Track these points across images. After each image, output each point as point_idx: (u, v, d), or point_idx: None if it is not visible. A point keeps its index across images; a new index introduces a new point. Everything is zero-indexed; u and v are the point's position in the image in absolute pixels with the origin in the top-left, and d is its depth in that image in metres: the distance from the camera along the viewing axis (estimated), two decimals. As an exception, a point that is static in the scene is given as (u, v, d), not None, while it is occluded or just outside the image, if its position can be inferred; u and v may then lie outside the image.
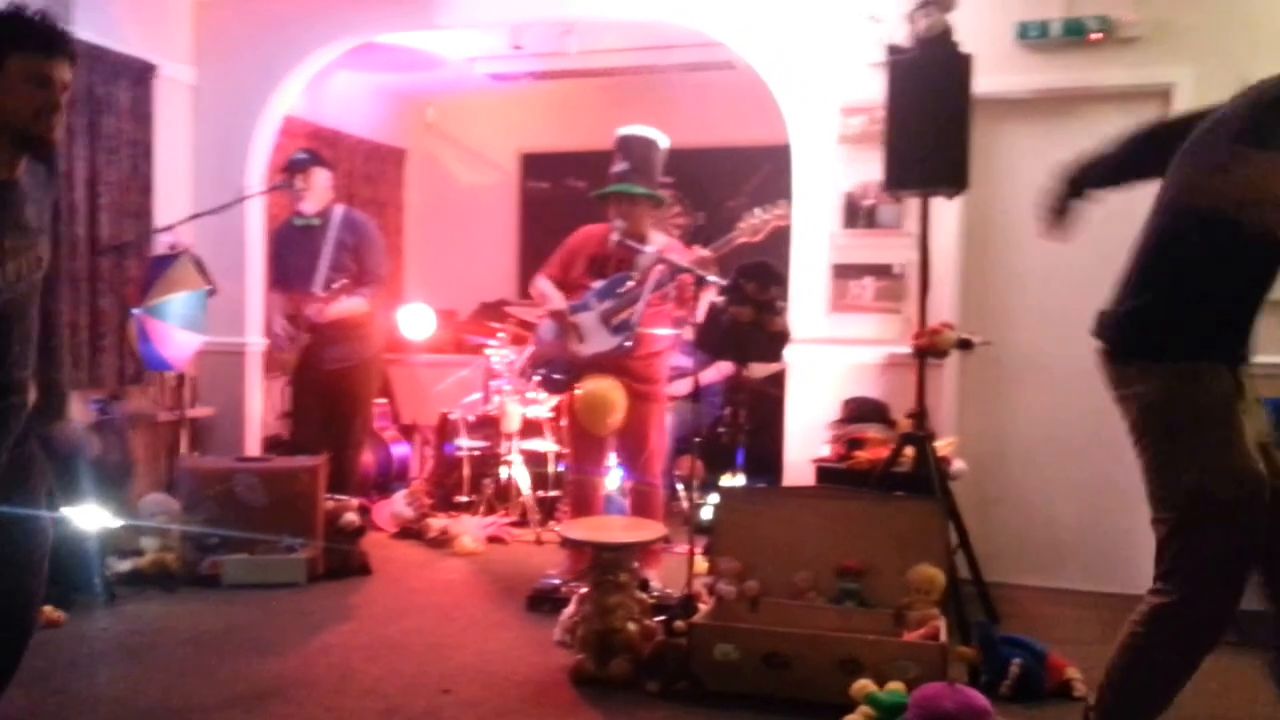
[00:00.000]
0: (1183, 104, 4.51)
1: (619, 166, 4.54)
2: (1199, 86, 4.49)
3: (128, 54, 5.50)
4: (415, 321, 7.20)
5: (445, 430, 6.44)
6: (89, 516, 4.05)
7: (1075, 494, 4.86)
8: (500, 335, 6.28)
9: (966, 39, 4.22)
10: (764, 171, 6.97)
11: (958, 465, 4.44)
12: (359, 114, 7.79)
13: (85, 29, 5.05)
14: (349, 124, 7.62)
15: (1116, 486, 4.76)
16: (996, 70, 4.68)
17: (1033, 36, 4.75)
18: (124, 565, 4.62)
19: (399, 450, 6.86)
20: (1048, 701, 3.42)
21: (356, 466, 5.62)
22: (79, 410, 2.79)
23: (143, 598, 4.40)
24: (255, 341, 6.08)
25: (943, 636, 3.37)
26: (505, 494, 6.02)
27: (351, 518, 4.96)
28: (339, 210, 5.46)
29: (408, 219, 8.37)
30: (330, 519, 4.90)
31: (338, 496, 5.07)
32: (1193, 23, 4.59)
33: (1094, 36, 4.67)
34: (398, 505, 5.81)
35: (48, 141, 2.45)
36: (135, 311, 4.94)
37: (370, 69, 7.27)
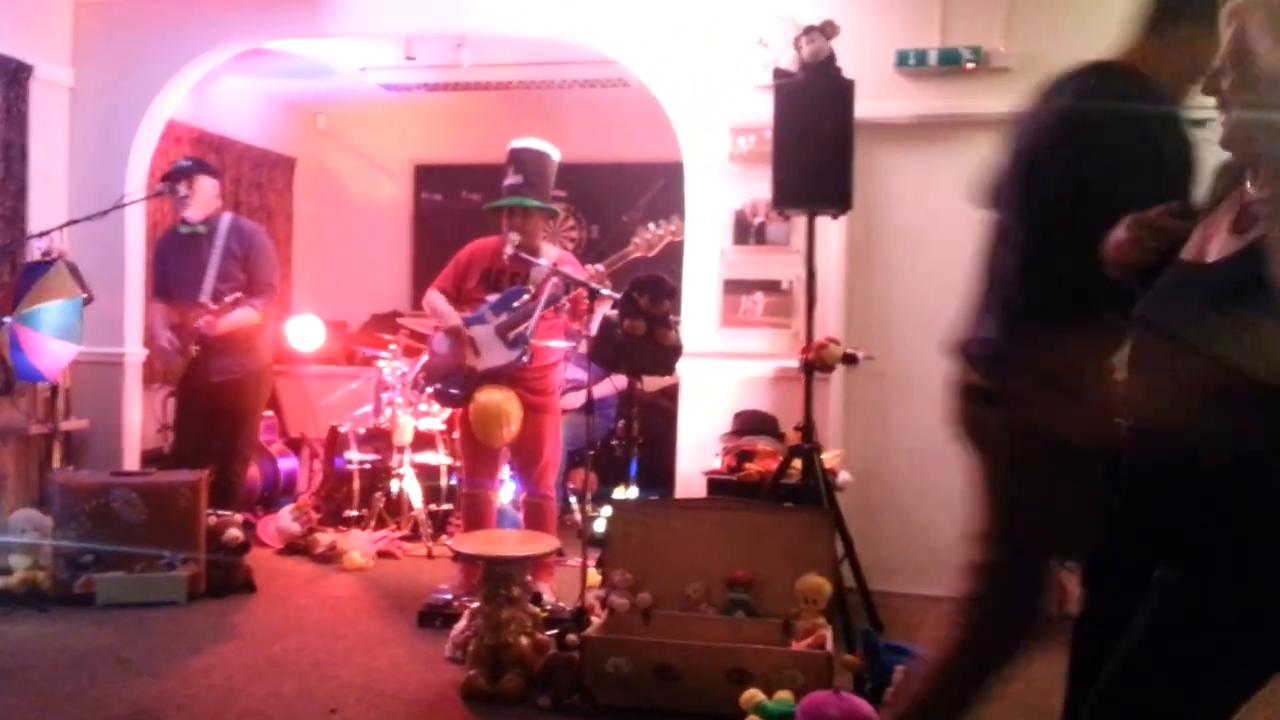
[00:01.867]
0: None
1: (511, 179, 4.55)
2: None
3: (1, 53, 5.30)
4: (304, 333, 7.07)
5: (334, 443, 6.33)
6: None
7: (953, 504, 4.98)
8: (392, 347, 6.21)
9: (849, 66, 4.38)
10: (657, 187, 7.05)
11: (843, 477, 4.56)
12: (247, 120, 7.64)
13: (-45, 26, 4.87)
14: (236, 130, 7.46)
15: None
16: (877, 96, 4.84)
17: (910, 65, 4.93)
18: (-8, 584, 4.45)
19: (286, 464, 6.72)
20: (929, 707, 3.51)
21: (242, 481, 5.49)
22: None
23: (12, 618, 4.23)
24: (134, 352, 5.90)
25: (829, 645, 3.45)
26: (396, 508, 5.94)
27: (235, 533, 4.84)
28: (226, 218, 5.34)
29: (297, 228, 8.22)
30: (213, 535, 4.76)
31: (221, 512, 4.94)
32: (1059, 56, 4.76)
33: (968, 66, 4.87)
34: (284, 520, 5.69)
35: None
36: (6, 320, 4.75)
37: (259, 75, 7.13)
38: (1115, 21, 4.88)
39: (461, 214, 7.74)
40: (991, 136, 4.75)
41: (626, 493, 4.64)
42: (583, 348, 4.47)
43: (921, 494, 5.03)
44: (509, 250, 4.42)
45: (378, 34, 5.96)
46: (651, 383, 6.03)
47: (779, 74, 4.49)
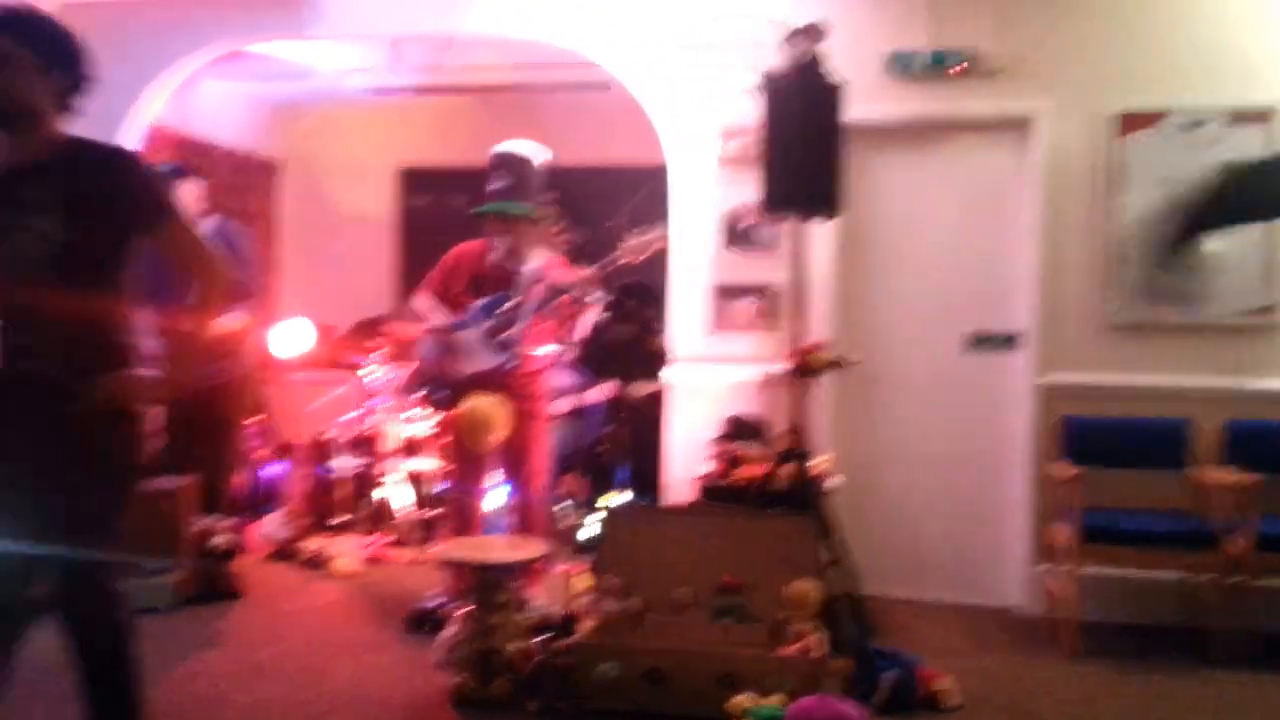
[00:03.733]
0: (1040, 134, 4.76)
1: (496, 184, 4.53)
2: (1055, 117, 4.75)
3: (-17, 58, 5.25)
4: (293, 337, 7.04)
5: (321, 449, 6.30)
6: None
7: (940, 508, 5.03)
8: (379, 352, 6.19)
9: (839, 68, 4.35)
10: (644, 191, 7.03)
11: (833, 481, 4.54)
12: (229, 124, 7.60)
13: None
14: (218, 134, 7.42)
15: (978, 500, 4.95)
16: (867, 99, 4.84)
17: (900, 67, 4.93)
18: (-25, 593, 4.40)
19: (273, 470, 6.68)
20: (918, 712, 3.52)
21: (228, 487, 5.46)
22: None
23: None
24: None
25: (818, 650, 3.44)
26: (383, 514, 5.92)
27: (221, 540, 4.82)
28: (211, 222, 5.31)
29: (281, 232, 8.18)
30: (198, 541, 4.75)
31: (206, 517, 4.92)
32: (1048, 57, 4.83)
33: (958, 68, 4.87)
34: (270, 526, 5.67)
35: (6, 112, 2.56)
36: None
37: (241, 78, 7.09)
38: (1103, 23, 4.94)
39: (448, 218, 7.70)
40: (983, 139, 4.81)
41: (617, 497, 4.64)
42: (571, 353, 4.46)
43: (908, 498, 5.04)
44: (494, 256, 4.41)
45: (362, 36, 5.93)
46: (640, 387, 6.02)
47: (767, 76, 4.46)
